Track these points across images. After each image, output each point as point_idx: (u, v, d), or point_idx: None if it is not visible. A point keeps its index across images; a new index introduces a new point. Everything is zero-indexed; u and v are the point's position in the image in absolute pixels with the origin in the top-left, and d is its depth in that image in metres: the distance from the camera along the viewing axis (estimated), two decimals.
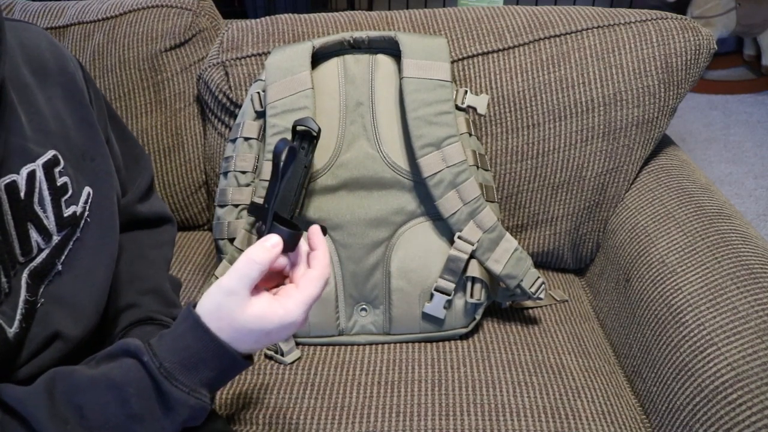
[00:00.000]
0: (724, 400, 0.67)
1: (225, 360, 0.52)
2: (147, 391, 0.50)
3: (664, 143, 1.05)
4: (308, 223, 0.72)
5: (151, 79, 1.06)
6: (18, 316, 0.53)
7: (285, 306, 0.52)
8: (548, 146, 0.95)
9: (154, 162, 1.07)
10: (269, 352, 0.87)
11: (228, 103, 0.99)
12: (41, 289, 0.56)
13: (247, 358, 0.54)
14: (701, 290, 0.77)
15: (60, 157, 0.59)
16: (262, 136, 0.89)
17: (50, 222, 0.58)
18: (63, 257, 0.59)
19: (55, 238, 0.58)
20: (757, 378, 0.66)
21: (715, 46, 0.95)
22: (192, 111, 1.08)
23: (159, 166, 1.08)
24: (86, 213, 0.62)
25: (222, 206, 0.89)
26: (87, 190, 0.62)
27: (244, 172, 0.88)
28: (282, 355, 0.85)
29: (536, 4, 1.06)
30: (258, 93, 0.89)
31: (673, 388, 0.74)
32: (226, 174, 0.90)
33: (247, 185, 0.88)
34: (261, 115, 0.89)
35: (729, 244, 0.81)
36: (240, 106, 0.97)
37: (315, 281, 0.53)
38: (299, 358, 0.86)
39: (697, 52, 0.93)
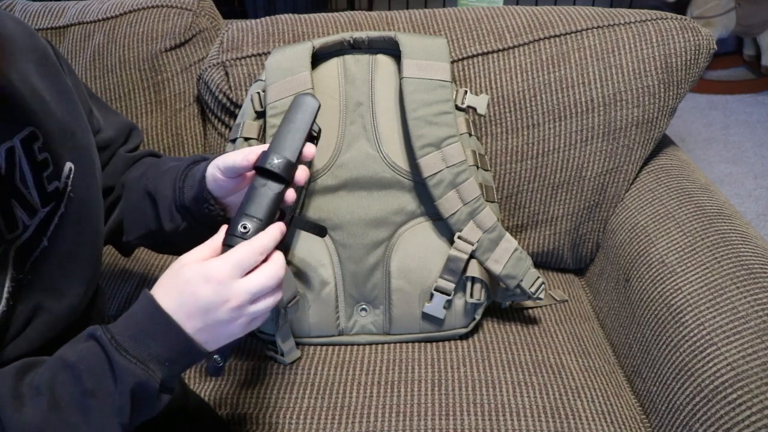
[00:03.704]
0: (724, 400, 0.67)
1: (172, 334, 0.52)
2: (98, 365, 0.50)
3: (664, 143, 1.05)
4: (308, 224, 0.72)
5: (151, 80, 1.06)
6: (5, 294, 0.54)
7: (209, 259, 0.53)
8: (548, 146, 0.95)
9: None
10: (269, 353, 0.87)
11: (228, 103, 0.99)
12: (27, 266, 0.57)
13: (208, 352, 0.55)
14: (701, 290, 0.77)
15: (39, 132, 0.59)
16: (262, 136, 0.89)
17: (33, 198, 0.58)
18: (49, 233, 0.59)
19: (40, 214, 0.58)
20: (756, 378, 0.66)
21: (715, 46, 0.95)
22: (192, 111, 1.08)
23: None
24: (69, 188, 0.62)
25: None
26: (68, 165, 0.62)
27: None
28: (282, 355, 0.85)
29: (536, 4, 1.06)
30: (258, 93, 0.89)
31: (672, 388, 0.74)
32: None
33: None
34: (261, 115, 0.89)
35: (729, 244, 0.81)
36: (240, 106, 0.97)
37: (246, 245, 0.54)
38: (299, 358, 0.86)
39: (697, 52, 0.93)
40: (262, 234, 0.55)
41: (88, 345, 0.51)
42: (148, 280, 1.01)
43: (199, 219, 0.68)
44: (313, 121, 0.63)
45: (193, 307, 0.52)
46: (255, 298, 0.54)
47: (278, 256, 0.56)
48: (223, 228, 0.57)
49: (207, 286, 0.52)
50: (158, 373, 0.51)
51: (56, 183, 0.60)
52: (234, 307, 0.52)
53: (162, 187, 0.70)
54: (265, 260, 0.55)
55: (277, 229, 0.56)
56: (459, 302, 0.86)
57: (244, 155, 0.62)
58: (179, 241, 0.71)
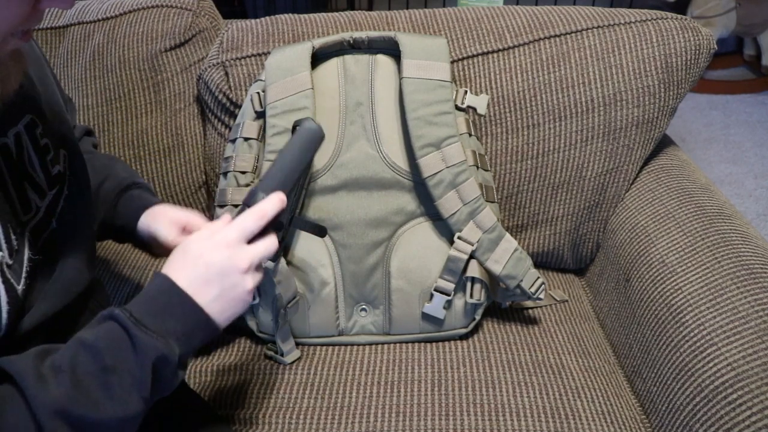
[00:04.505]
0: (724, 400, 0.67)
1: (188, 308, 0.55)
2: (118, 342, 0.52)
3: (664, 143, 1.05)
4: (308, 224, 0.72)
5: (151, 79, 1.06)
6: (24, 274, 0.56)
7: (216, 232, 0.58)
8: (548, 146, 0.95)
9: (154, 162, 1.07)
10: (269, 353, 0.87)
11: (228, 104, 0.99)
12: (39, 246, 0.59)
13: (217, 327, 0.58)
14: (701, 290, 0.77)
15: (37, 120, 0.61)
16: (261, 136, 0.89)
17: (42, 181, 0.60)
18: (57, 215, 0.62)
19: (48, 196, 0.61)
20: (757, 378, 0.66)
21: (715, 46, 0.95)
22: (192, 111, 1.08)
23: (159, 166, 1.08)
24: (67, 172, 0.65)
25: (222, 206, 0.89)
26: (62, 152, 0.65)
27: (243, 173, 0.88)
28: (282, 355, 0.85)
29: (536, 4, 1.06)
30: (258, 93, 0.89)
31: (673, 388, 0.74)
32: (225, 174, 0.90)
33: (247, 185, 0.88)
34: (261, 115, 0.89)
35: (729, 244, 0.81)
36: (240, 107, 0.97)
37: (249, 212, 0.59)
38: (299, 358, 0.86)
39: (697, 52, 0.93)
40: (262, 202, 0.59)
41: (106, 325, 0.53)
42: (148, 280, 1.01)
43: (128, 241, 0.79)
44: (315, 152, 0.65)
45: (210, 274, 0.56)
46: (256, 266, 0.58)
47: (273, 236, 0.61)
48: (226, 218, 0.61)
49: (219, 252, 0.56)
50: (176, 347, 0.54)
51: (58, 167, 0.63)
52: (243, 270, 0.57)
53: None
54: (264, 234, 0.60)
55: (276, 198, 0.60)
56: (459, 302, 0.86)
57: (174, 236, 0.72)
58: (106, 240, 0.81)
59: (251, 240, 0.59)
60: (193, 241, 0.58)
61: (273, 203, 0.60)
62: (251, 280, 0.58)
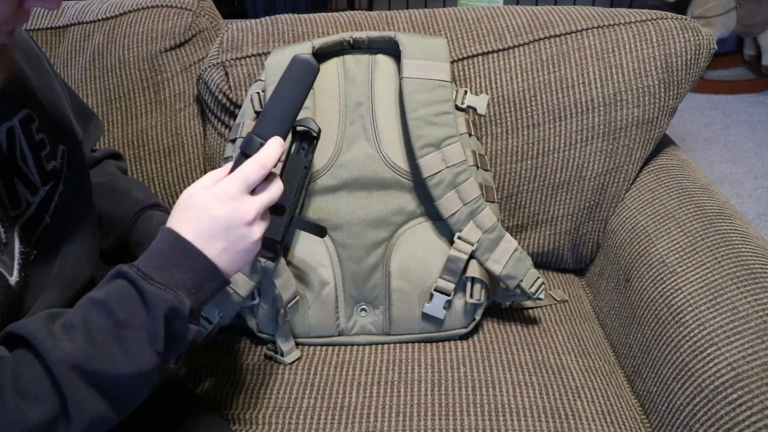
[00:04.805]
0: (724, 400, 0.67)
1: (195, 260, 0.54)
2: (128, 297, 0.52)
3: (664, 143, 1.05)
4: (308, 224, 0.72)
5: (151, 80, 1.06)
6: (16, 266, 0.56)
7: (218, 182, 0.56)
8: (548, 146, 0.95)
9: (154, 162, 1.07)
10: (269, 353, 0.87)
11: (228, 104, 0.99)
12: (32, 242, 0.59)
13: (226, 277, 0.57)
14: (701, 290, 0.77)
15: (34, 115, 0.61)
16: None
17: (34, 176, 0.60)
18: (50, 211, 0.61)
19: (41, 192, 0.60)
20: (757, 378, 0.66)
21: (715, 46, 0.95)
22: (192, 111, 1.08)
23: (159, 167, 1.07)
24: (65, 168, 0.64)
25: None
26: (61, 147, 0.65)
27: None
28: (282, 355, 0.85)
29: (536, 4, 1.06)
30: (258, 93, 0.89)
31: (673, 388, 0.74)
32: None
33: None
34: None
35: (729, 244, 0.81)
36: (240, 106, 0.97)
37: (250, 161, 0.57)
38: (299, 358, 0.86)
39: (697, 52, 0.93)
40: (263, 149, 0.57)
41: (114, 282, 0.53)
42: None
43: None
44: (310, 88, 0.59)
45: (214, 228, 0.55)
46: (261, 215, 0.57)
47: (277, 179, 0.59)
48: (228, 166, 0.59)
49: (223, 206, 0.55)
50: (186, 300, 0.54)
51: (53, 163, 0.62)
52: (248, 222, 0.56)
53: (110, 224, 0.77)
54: (267, 180, 0.58)
55: (277, 143, 0.58)
56: (459, 302, 0.86)
57: None
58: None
59: (254, 189, 0.57)
60: (195, 193, 0.56)
61: (273, 149, 0.57)
62: (258, 230, 0.57)
